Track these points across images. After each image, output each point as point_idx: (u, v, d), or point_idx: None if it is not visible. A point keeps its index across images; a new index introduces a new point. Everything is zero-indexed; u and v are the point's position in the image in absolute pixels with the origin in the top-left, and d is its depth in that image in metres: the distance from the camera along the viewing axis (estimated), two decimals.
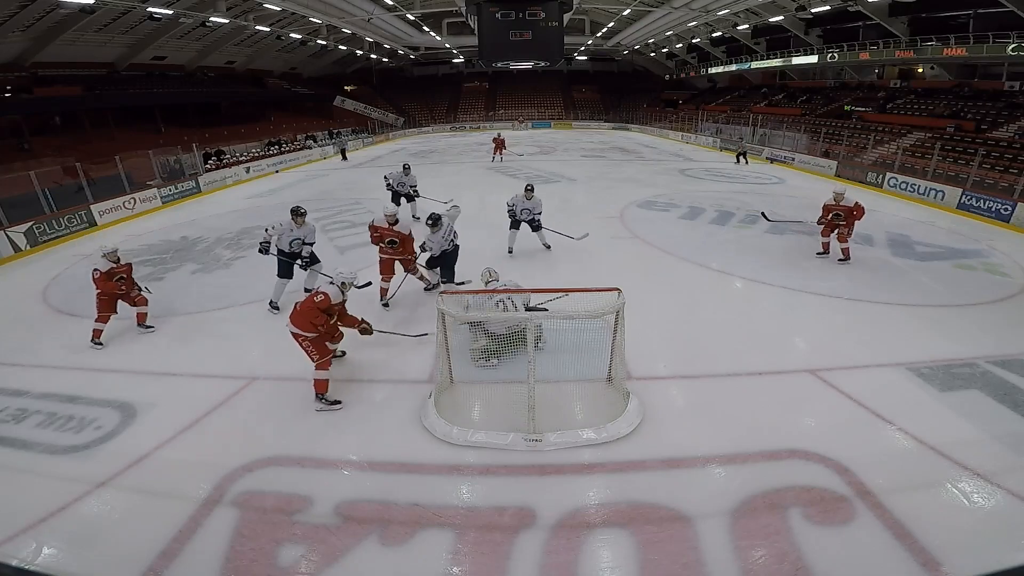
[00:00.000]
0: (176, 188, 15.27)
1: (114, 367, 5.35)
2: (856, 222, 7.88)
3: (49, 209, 11.25)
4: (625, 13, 26.32)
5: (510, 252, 8.54)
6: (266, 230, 6.58)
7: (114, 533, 3.27)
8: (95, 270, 5.71)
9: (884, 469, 3.60)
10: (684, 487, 3.54)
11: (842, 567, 2.91)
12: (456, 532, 3.20)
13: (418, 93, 43.40)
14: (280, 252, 6.56)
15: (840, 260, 7.99)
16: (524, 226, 8.35)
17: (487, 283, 5.22)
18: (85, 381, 5.08)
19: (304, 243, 6.65)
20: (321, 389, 4.55)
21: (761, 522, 3.21)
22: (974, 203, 11.39)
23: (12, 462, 3.94)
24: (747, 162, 19.34)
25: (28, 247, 10.25)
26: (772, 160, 20.27)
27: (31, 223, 10.45)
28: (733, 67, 31.03)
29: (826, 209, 7.87)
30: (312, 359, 4.51)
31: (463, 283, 6.81)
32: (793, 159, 19.18)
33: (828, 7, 19.72)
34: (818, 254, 8.25)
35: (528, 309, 5.01)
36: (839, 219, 7.80)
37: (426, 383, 4.80)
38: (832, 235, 8.00)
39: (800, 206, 12.17)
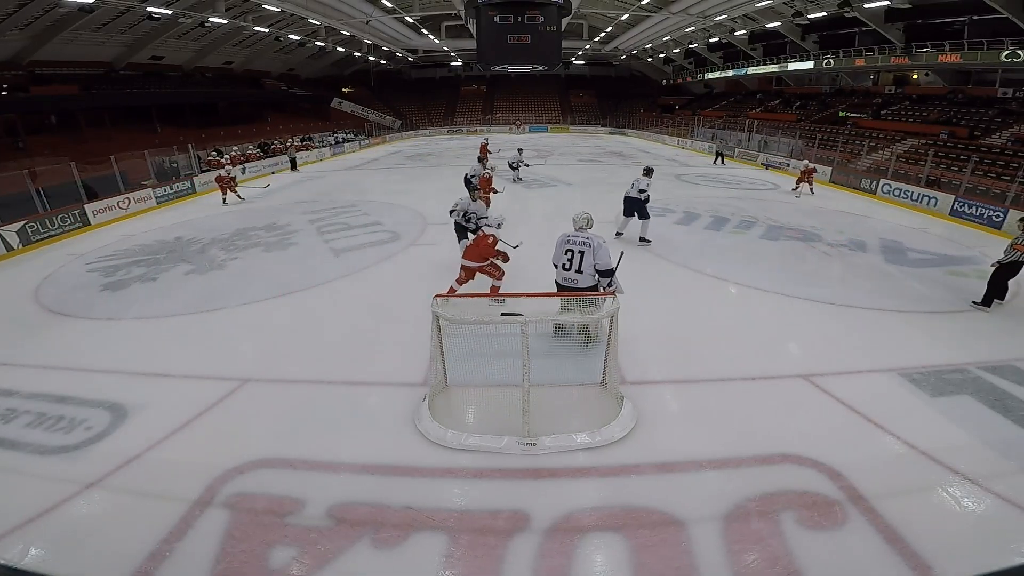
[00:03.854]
0: (171, 188, 15.23)
1: (105, 367, 5.31)
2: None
3: (43, 208, 11.20)
4: (623, 18, 26.50)
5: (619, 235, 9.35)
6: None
7: (104, 534, 3.24)
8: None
9: (876, 474, 3.61)
10: (677, 491, 3.54)
11: (834, 571, 2.92)
12: (449, 535, 3.19)
13: (416, 96, 43.49)
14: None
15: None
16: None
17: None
18: (76, 381, 5.04)
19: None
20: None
21: (754, 526, 3.21)
22: (967, 210, 11.48)
23: (0, 462, 3.90)
24: (724, 163, 21.42)
25: (20, 246, 10.19)
26: (767, 166, 20.39)
27: (24, 222, 10.39)
28: (730, 72, 31.24)
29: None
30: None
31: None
32: (788, 165, 19.30)
33: (825, 13, 19.89)
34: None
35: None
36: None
37: (420, 386, 4.78)
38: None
39: (794, 211, 12.27)
